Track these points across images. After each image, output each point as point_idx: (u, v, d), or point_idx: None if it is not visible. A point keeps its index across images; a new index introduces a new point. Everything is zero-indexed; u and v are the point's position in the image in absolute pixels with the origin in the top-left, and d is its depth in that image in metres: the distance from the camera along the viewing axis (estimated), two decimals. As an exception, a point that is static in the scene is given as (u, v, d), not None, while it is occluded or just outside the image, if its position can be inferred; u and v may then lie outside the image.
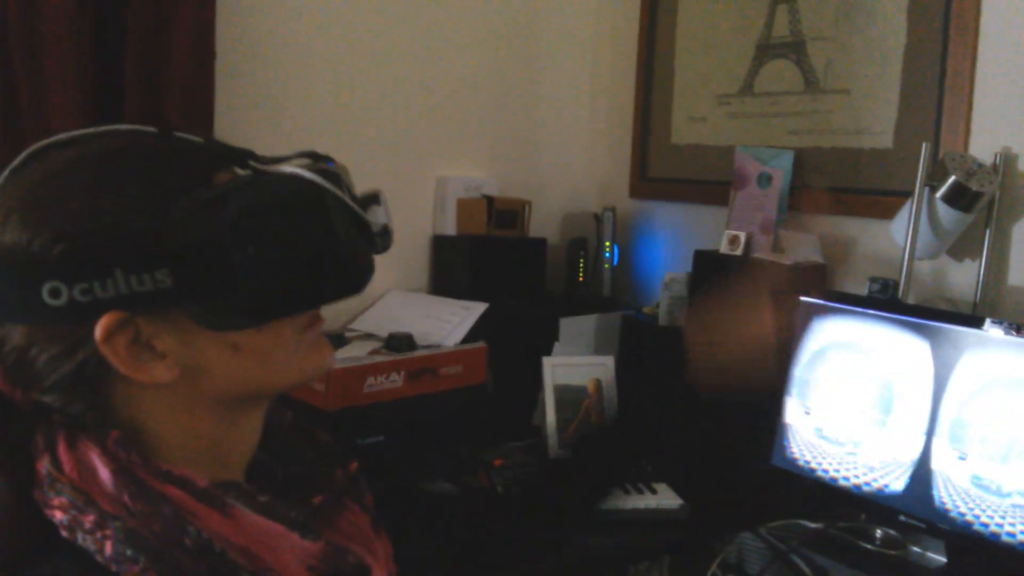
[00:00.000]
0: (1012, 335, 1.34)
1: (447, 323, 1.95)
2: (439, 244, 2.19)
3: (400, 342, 1.82)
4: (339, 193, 0.65)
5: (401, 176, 2.15)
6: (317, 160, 0.68)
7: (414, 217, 2.19)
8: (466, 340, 1.90)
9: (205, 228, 0.59)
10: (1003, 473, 1.34)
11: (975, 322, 1.39)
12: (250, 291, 0.61)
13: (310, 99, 1.97)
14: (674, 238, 2.32)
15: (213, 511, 0.63)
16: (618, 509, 1.62)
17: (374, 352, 1.80)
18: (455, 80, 2.22)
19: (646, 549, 1.62)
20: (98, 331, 0.59)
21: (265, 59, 1.90)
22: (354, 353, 1.78)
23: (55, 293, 0.57)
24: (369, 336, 1.91)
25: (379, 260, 0.70)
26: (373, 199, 0.69)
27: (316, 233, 0.63)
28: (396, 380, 1.77)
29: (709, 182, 2.20)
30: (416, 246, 2.19)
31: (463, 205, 2.17)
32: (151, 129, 0.66)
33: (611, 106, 2.49)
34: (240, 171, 0.66)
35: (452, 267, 2.17)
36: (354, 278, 0.67)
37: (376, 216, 0.69)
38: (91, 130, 0.65)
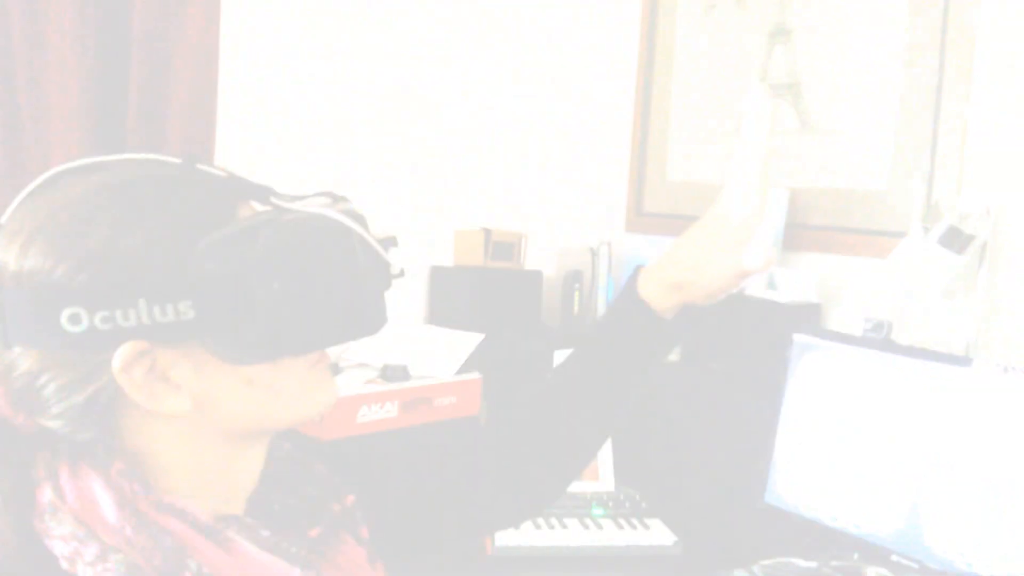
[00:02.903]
0: (1002, 376, 1.35)
1: (442, 354, 1.95)
2: (436, 275, 2.20)
3: (395, 372, 1.82)
4: (365, 235, 0.66)
5: (400, 207, 2.16)
6: (336, 201, 0.69)
7: (410, 246, 2.20)
8: (461, 371, 1.90)
9: (231, 262, 0.60)
10: (996, 514, 1.34)
11: (965, 362, 1.40)
12: (271, 327, 0.61)
13: (310, 131, 1.99)
14: (669, 273, 2.32)
15: (213, 545, 0.62)
16: (610, 546, 1.62)
17: (369, 382, 1.80)
18: (458, 117, 2.24)
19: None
20: (117, 360, 0.59)
21: (267, 89, 1.92)
22: (348, 383, 1.78)
23: (75, 319, 0.57)
24: (363, 366, 1.91)
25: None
26: (391, 242, 0.70)
27: (341, 273, 0.64)
28: (390, 410, 1.77)
29: (705, 218, 2.22)
30: (413, 277, 2.20)
31: (460, 236, 2.18)
32: (174, 159, 0.66)
33: (608, 141, 2.51)
34: (260, 207, 0.67)
35: (449, 297, 2.18)
36: (374, 319, 0.67)
37: (395, 259, 0.70)
38: (112, 157, 0.65)
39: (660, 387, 2.01)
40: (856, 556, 1.54)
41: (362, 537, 0.77)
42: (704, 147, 2.26)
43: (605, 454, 1.85)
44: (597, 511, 1.71)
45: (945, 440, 1.41)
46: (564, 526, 1.65)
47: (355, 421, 1.72)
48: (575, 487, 1.79)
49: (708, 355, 1.94)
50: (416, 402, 1.81)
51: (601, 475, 1.84)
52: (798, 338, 1.63)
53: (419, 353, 1.94)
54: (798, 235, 1.99)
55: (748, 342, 1.87)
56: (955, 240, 1.55)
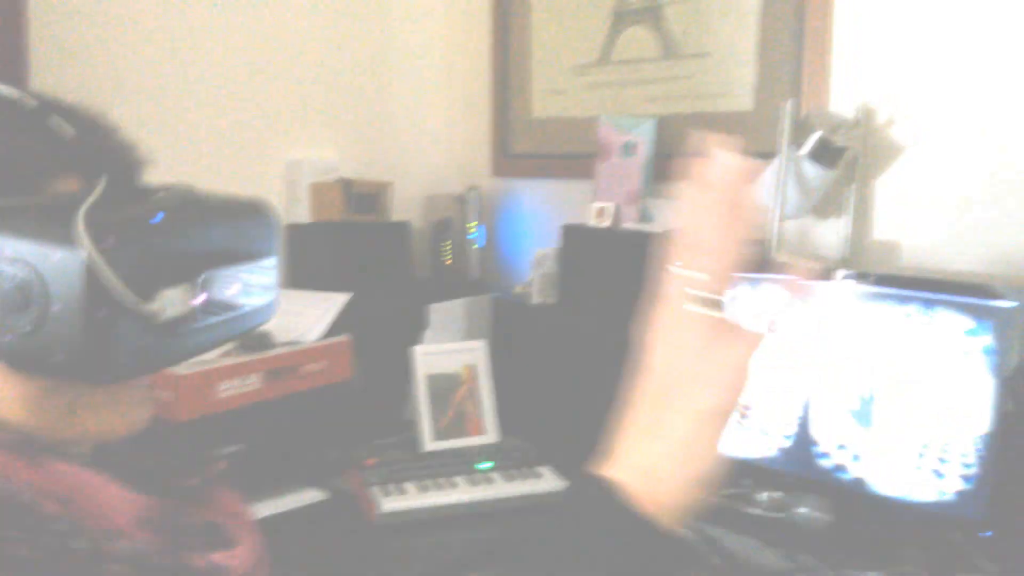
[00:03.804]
0: (870, 286, 1.35)
1: (306, 317, 1.81)
2: (292, 233, 2.04)
3: (255, 341, 1.67)
4: (111, 278, 0.53)
5: (246, 160, 1.98)
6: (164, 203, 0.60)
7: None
8: (329, 334, 1.77)
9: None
10: (879, 426, 1.34)
11: (840, 277, 1.39)
12: (35, 343, 0.55)
13: (138, 71, 1.78)
14: (541, 215, 2.25)
15: (21, 461, 0.57)
16: (501, 498, 1.54)
17: (226, 354, 1.64)
18: (302, 54, 2.07)
19: (532, 536, 1.55)
20: None
21: (86, 23, 1.69)
22: (204, 357, 1.62)
23: None
24: (220, 337, 1.75)
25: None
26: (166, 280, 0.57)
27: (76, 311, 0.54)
28: (253, 382, 1.62)
29: (573, 156, 2.15)
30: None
31: (317, 190, 2.03)
32: (31, 101, 0.60)
33: (468, 81, 2.40)
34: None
35: (308, 257, 2.03)
36: (110, 369, 0.56)
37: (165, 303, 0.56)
38: None
39: (537, 332, 1.94)
40: (747, 482, 1.52)
41: (236, 491, 0.76)
42: (567, 82, 2.17)
43: (487, 407, 1.77)
44: (484, 465, 1.63)
45: (828, 355, 1.40)
46: (453, 485, 1.56)
47: (214, 398, 1.56)
48: (459, 443, 1.71)
49: (583, 294, 1.87)
50: (281, 371, 1.67)
51: (485, 429, 1.75)
52: (671, 267, 1.58)
53: (281, 318, 1.79)
54: (668, 164, 1.94)
55: (623, 277, 1.81)
56: (827, 153, 1.53)
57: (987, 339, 1.25)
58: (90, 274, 0.52)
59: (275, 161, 2.04)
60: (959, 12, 1.53)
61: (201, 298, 0.59)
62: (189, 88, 1.86)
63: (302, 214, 2.03)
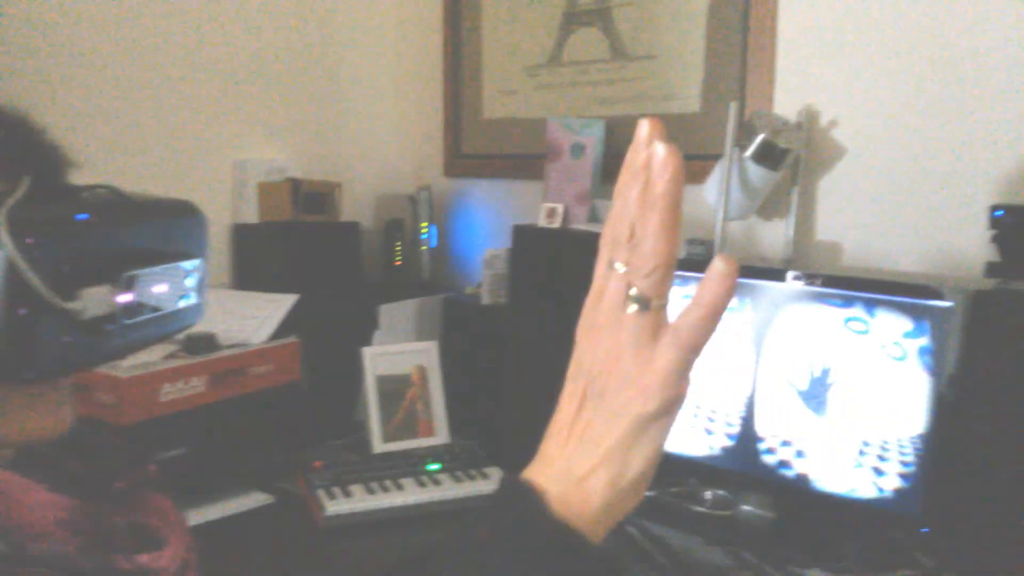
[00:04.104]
0: (813, 286, 1.37)
1: (253, 319, 1.78)
2: (239, 233, 2.02)
3: (200, 343, 1.64)
4: (28, 275, 0.53)
5: (193, 160, 1.95)
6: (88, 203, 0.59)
7: (209, 205, 1.99)
8: (277, 336, 1.75)
9: None
10: (823, 424, 1.36)
11: (780, 276, 1.41)
12: None
13: (84, 69, 1.74)
14: (492, 215, 2.25)
15: None
16: (449, 499, 1.54)
17: (170, 356, 1.62)
18: (251, 53, 2.04)
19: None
20: None
21: (29, 22, 1.65)
22: (145, 358, 1.59)
23: None
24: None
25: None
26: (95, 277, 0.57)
27: None
28: (197, 385, 1.59)
29: (524, 156, 2.15)
30: (213, 237, 2.00)
31: (265, 190, 2.00)
32: None
33: (419, 81, 2.39)
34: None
35: (256, 258, 2.00)
36: (35, 367, 0.55)
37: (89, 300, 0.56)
38: None
39: (487, 332, 1.94)
40: (692, 481, 1.54)
41: (167, 495, 0.76)
42: (518, 83, 2.18)
43: (438, 408, 1.76)
44: (432, 466, 1.62)
45: (773, 354, 1.42)
46: (400, 487, 1.55)
47: (157, 401, 1.53)
48: (410, 444, 1.70)
49: (535, 295, 1.87)
50: (227, 374, 1.65)
51: (436, 430, 1.75)
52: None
53: (227, 320, 1.77)
54: (616, 165, 1.94)
55: (573, 277, 1.82)
56: (770, 155, 1.54)
57: (926, 339, 1.27)
58: (10, 272, 0.52)
59: (223, 161, 2.01)
60: (899, 17, 1.56)
61: (125, 297, 0.59)
62: (135, 87, 1.83)
63: (250, 214, 2.00)
